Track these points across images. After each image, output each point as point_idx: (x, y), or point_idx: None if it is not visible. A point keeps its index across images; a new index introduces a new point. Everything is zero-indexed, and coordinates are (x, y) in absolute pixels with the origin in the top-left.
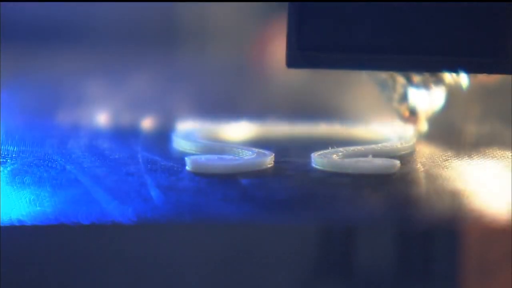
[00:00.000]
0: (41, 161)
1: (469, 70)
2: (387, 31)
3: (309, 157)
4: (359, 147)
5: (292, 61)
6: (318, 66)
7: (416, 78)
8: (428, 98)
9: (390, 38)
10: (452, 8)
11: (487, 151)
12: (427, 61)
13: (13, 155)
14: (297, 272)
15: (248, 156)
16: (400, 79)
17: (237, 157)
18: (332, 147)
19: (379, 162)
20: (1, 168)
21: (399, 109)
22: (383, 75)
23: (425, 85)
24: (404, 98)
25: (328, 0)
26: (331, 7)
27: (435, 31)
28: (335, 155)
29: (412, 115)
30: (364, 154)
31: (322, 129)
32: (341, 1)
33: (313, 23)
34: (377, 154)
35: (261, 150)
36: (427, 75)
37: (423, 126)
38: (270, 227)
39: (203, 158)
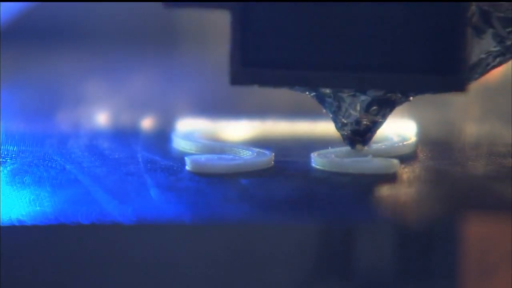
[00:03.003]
0: (41, 161)
1: (416, 88)
2: (333, 48)
3: (309, 157)
4: None
5: (236, 78)
6: (262, 83)
7: (362, 97)
8: (372, 120)
9: (335, 55)
10: (398, 24)
11: (487, 151)
12: (373, 79)
13: (13, 155)
14: (297, 272)
15: (248, 156)
16: (345, 99)
17: (237, 157)
18: (332, 147)
19: (379, 162)
20: (1, 168)
21: (342, 128)
22: (327, 91)
23: (370, 105)
24: (347, 117)
25: (271, 17)
26: (275, 24)
27: (382, 48)
28: (335, 155)
29: (353, 135)
30: (364, 154)
31: (321, 128)
32: (284, 19)
33: (257, 39)
34: (377, 154)
35: (261, 150)
36: (374, 93)
37: (361, 147)
38: (270, 227)
39: (203, 158)
